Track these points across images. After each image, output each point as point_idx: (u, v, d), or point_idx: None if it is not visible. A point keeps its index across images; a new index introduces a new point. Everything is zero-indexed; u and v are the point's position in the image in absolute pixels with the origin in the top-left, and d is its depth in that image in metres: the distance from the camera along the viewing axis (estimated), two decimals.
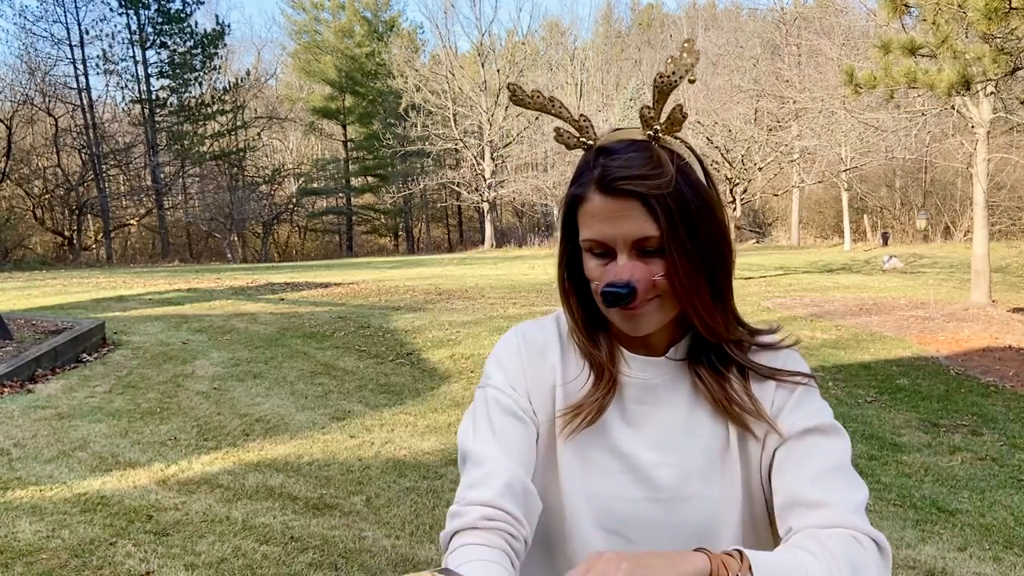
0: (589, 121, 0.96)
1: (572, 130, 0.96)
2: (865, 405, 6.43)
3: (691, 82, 0.91)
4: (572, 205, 0.94)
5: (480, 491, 0.90)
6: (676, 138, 0.95)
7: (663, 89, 0.91)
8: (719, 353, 0.97)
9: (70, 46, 32.90)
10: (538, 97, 0.96)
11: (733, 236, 1.02)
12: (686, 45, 0.90)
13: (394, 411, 6.21)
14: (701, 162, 0.96)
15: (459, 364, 7.85)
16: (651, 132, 0.92)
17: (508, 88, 0.97)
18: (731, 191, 16.92)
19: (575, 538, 0.99)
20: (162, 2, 34.71)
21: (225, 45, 38.27)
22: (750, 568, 0.79)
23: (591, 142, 0.95)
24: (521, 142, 36.22)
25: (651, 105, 0.92)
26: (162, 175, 35.30)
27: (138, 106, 35.48)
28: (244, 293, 13.72)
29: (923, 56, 8.91)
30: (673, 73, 0.90)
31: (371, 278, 16.99)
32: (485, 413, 0.98)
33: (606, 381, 0.99)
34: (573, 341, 1.04)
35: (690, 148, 0.96)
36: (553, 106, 0.97)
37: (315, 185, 40.91)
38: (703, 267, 0.92)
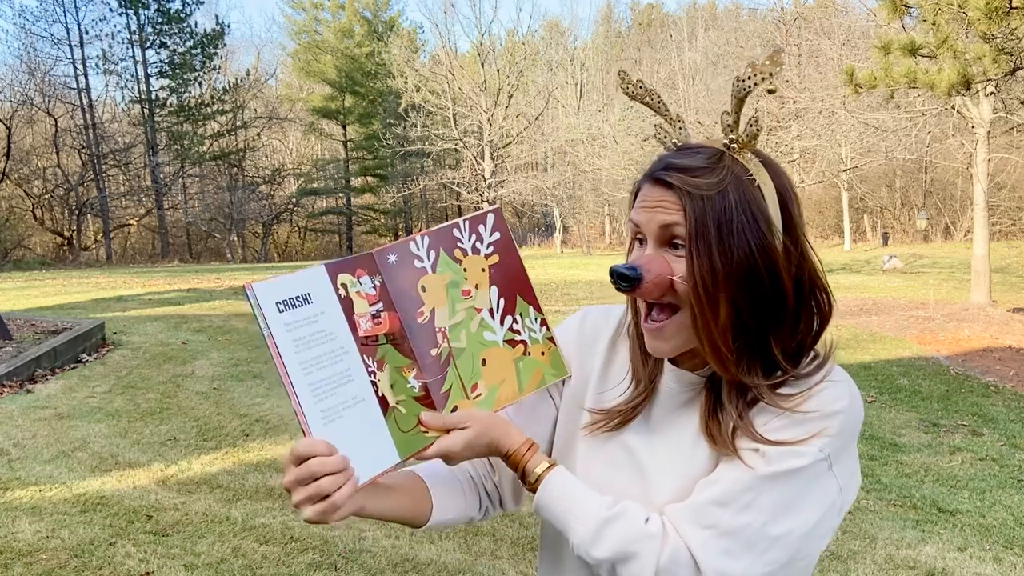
0: (683, 121, 0.97)
1: (669, 128, 0.97)
2: (865, 405, 6.37)
3: (770, 92, 0.89)
4: (634, 196, 0.96)
5: None
6: (770, 164, 0.91)
7: (737, 96, 0.90)
8: (731, 388, 0.92)
9: (70, 46, 32.88)
10: (640, 87, 0.98)
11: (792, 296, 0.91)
12: (773, 55, 0.87)
13: None
14: (786, 198, 0.90)
15: None
16: (726, 141, 0.91)
17: (618, 75, 0.99)
18: None
19: None
20: (162, 2, 34.67)
21: (225, 45, 38.22)
22: (549, 469, 0.94)
23: (680, 143, 0.96)
24: (521, 142, 36.19)
25: (728, 111, 0.91)
26: (162, 175, 35.27)
27: (138, 106, 35.43)
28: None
29: (923, 56, 8.91)
30: (749, 78, 0.88)
31: None
32: None
33: (641, 391, 1.00)
34: (628, 338, 1.06)
35: (780, 179, 0.91)
36: (651, 99, 0.98)
37: (315, 185, 40.86)
38: (728, 287, 0.87)
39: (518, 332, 1.02)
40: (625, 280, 0.89)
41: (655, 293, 0.90)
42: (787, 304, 0.89)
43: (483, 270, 1.01)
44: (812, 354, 0.94)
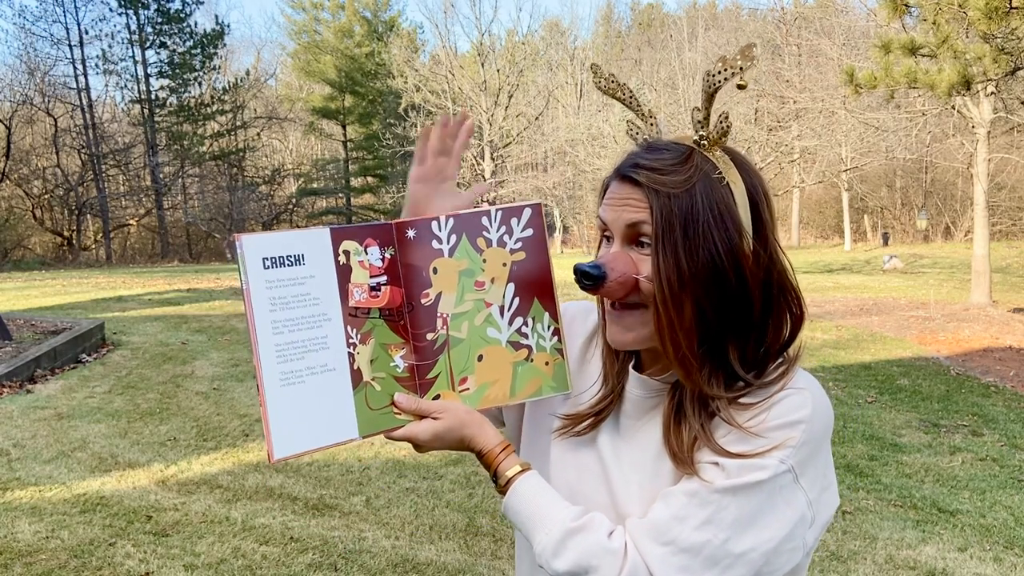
0: (655, 117, 0.95)
1: (641, 124, 0.95)
2: (866, 405, 6.42)
3: (740, 87, 0.86)
4: (603, 193, 0.94)
5: None
6: (742, 163, 0.89)
7: (707, 90, 0.87)
8: (693, 396, 0.89)
9: (69, 46, 32.85)
10: (612, 81, 0.95)
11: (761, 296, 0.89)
12: (744, 49, 0.85)
13: None
14: (757, 198, 0.89)
15: None
16: (696, 138, 0.89)
17: (590, 68, 0.97)
18: None
19: None
20: (162, 2, 34.65)
21: (225, 45, 38.19)
22: (520, 472, 0.92)
23: (651, 138, 0.94)
24: (521, 142, 36.18)
25: (699, 107, 0.88)
26: (161, 175, 35.25)
27: (137, 106, 35.39)
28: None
29: (923, 56, 8.90)
30: (720, 73, 0.86)
31: None
32: None
33: (608, 393, 0.99)
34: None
35: (751, 178, 0.89)
36: (623, 94, 0.95)
37: (315, 185, 40.85)
38: (694, 288, 0.85)
39: (525, 336, 0.98)
40: (588, 279, 0.87)
41: (619, 292, 0.89)
42: (753, 310, 0.87)
43: (504, 265, 0.97)
44: (779, 360, 0.91)
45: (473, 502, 4.22)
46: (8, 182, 30.31)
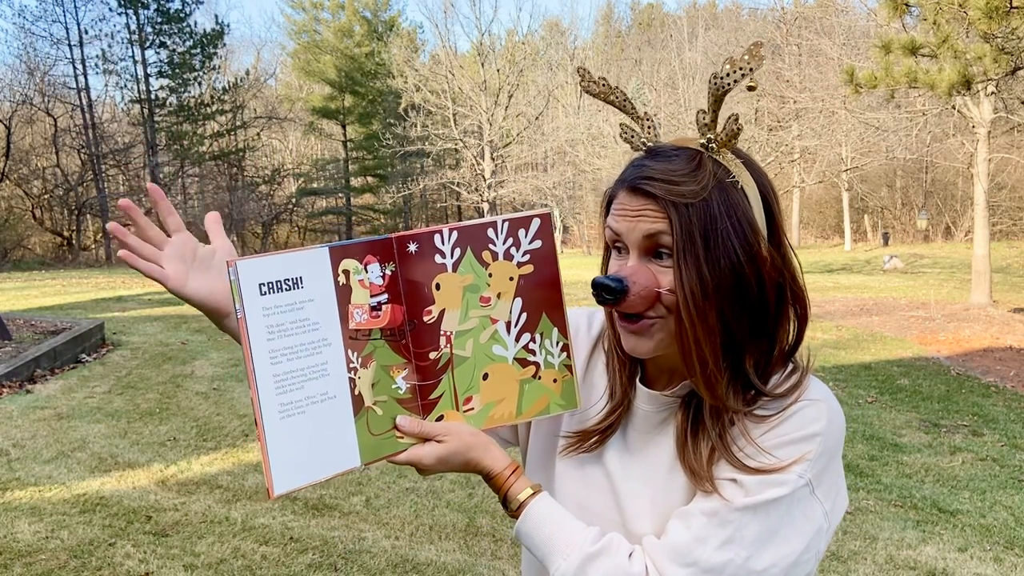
0: (651, 120, 0.91)
1: (636, 128, 0.91)
2: (866, 405, 6.42)
3: (750, 89, 0.84)
4: (608, 204, 0.92)
5: None
6: (749, 162, 0.88)
7: (715, 93, 0.84)
8: (712, 410, 0.88)
9: (69, 46, 32.83)
10: (603, 84, 0.92)
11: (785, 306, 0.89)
12: (752, 49, 0.82)
13: None
14: (769, 199, 0.88)
15: None
16: (704, 141, 0.86)
17: (577, 72, 0.93)
18: None
19: None
20: (161, 2, 34.64)
21: (224, 45, 38.16)
22: (532, 495, 0.90)
23: (650, 144, 0.90)
24: (521, 142, 36.17)
25: (704, 110, 0.85)
26: (161, 175, 35.25)
27: (137, 106, 35.39)
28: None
29: (924, 56, 8.90)
30: (728, 75, 0.83)
31: None
32: None
33: (616, 407, 0.97)
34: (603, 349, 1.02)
35: (762, 179, 0.88)
36: (616, 97, 0.92)
37: (314, 185, 40.87)
38: (718, 301, 0.83)
39: (533, 352, 0.94)
40: (610, 293, 0.84)
41: (640, 306, 0.86)
42: (768, 314, 0.86)
43: (511, 279, 0.92)
44: (790, 367, 0.89)
45: (473, 502, 4.22)
46: (8, 182, 30.30)
